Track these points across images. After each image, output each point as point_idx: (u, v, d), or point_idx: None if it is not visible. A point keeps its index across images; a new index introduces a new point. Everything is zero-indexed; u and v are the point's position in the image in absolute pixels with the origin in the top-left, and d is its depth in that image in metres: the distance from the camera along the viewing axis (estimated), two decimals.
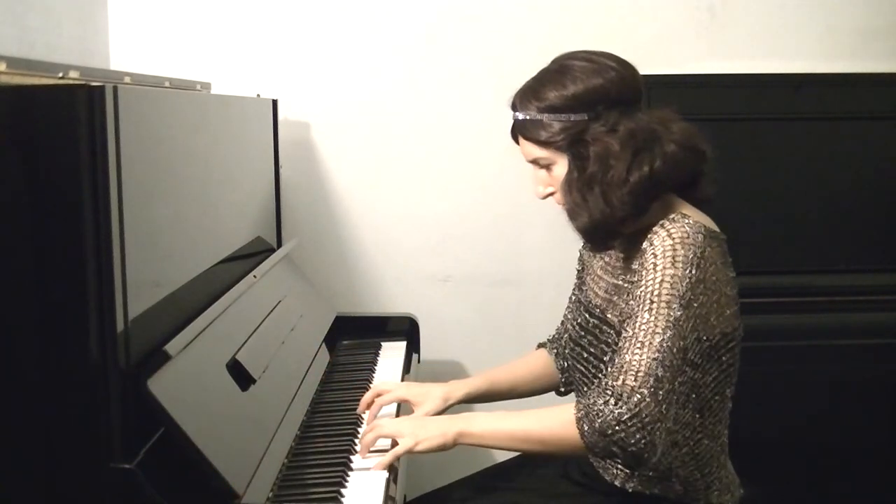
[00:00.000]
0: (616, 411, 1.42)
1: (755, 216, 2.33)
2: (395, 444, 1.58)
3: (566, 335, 1.86)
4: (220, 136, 1.86)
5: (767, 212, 2.39)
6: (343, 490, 1.48)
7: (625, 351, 1.48)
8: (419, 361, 2.31)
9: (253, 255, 2.02)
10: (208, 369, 1.48)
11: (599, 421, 1.43)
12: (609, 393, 1.44)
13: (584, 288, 1.78)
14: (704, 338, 1.52)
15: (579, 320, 1.74)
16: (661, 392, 1.43)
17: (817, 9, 2.55)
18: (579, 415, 1.47)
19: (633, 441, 1.42)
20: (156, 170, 1.41)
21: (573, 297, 1.87)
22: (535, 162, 1.64)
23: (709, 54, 2.51)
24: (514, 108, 1.64)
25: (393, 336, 2.34)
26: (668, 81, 2.32)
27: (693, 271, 1.48)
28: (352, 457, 1.60)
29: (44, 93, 1.22)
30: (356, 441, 1.66)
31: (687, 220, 1.52)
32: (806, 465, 2.39)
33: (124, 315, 1.24)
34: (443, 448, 1.55)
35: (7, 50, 1.43)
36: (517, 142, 1.66)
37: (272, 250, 2.21)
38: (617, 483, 1.65)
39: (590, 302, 1.72)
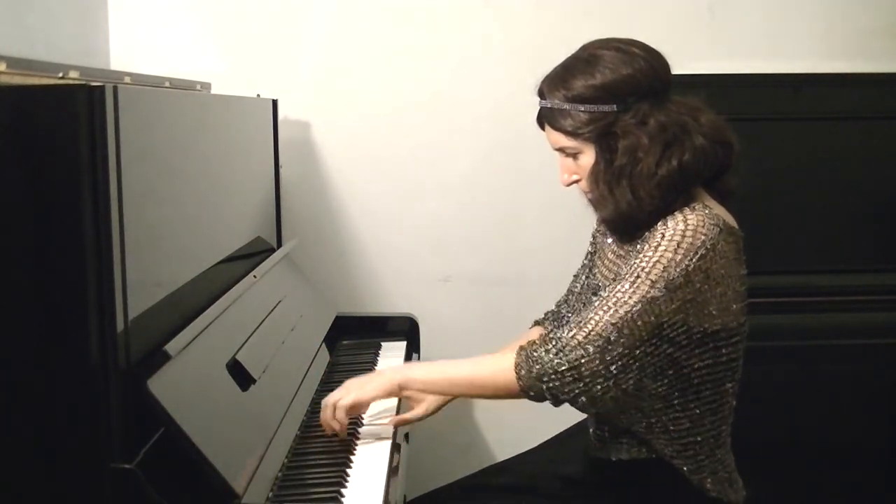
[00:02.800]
0: (555, 360, 1.49)
1: (755, 216, 2.32)
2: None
3: (570, 312, 1.86)
4: (220, 136, 1.86)
5: (767, 212, 2.39)
6: (343, 490, 1.48)
7: (591, 309, 1.52)
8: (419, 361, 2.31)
9: (253, 255, 2.02)
10: (208, 369, 1.48)
11: (537, 368, 1.50)
12: (552, 343, 1.51)
13: (595, 271, 1.76)
14: (694, 324, 1.52)
15: (587, 304, 1.73)
16: (609, 354, 1.47)
17: (817, 9, 2.55)
18: (518, 360, 1.53)
19: (566, 391, 1.49)
20: (156, 170, 1.41)
21: (583, 278, 1.86)
22: (561, 150, 1.62)
23: (709, 54, 2.51)
24: (542, 95, 1.62)
25: (393, 336, 2.34)
26: None
27: (694, 259, 1.48)
28: (352, 457, 1.60)
29: (44, 93, 1.22)
30: (356, 441, 1.66)
31: (706, 212, 1.52)
32: (806, 465, 2.39)
33: (124, 315, 1.24)
34: (389, 394, 1.65)
35: (7, 50, 1.43)
36: (543, 129, 1.64)
37: (272, 250, 2.21)
38: (623, 456, 1.64)
39: (597, 284, 1.71)
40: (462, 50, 2.54)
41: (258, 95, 2.31)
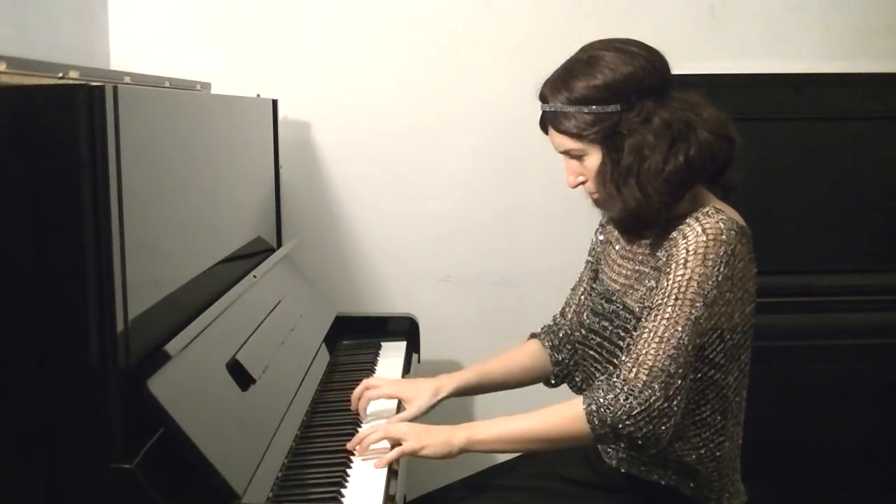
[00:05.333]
0: (627, 405, 1.47)
1: (755, 216, 2.32)
2: (394, 445, 1.58)
3: (567, 325, 1.86)
4: (220, 136, 1.86)
5: (767, 212, 2.39)
6: (343, 490, 1.49)
7: (642, 342, 1.50)
8: (419, 361, 2.31)
9: (253, 255, 2.02)
10: (208, 369, 1.48)
11: (610, 415, 1.48)
12: (619, 387, 1.48)
13: (602, 276, 1.76)
14: (728, 336, 1.53)
15: (595, 308, 1.73)
16: (672, 388, 1.47)
17: (817, 9, 2.55)
18: (589, 409, 1.50)
19: (641, 434, 1.47)
20: (156, 170, 1.41)
21: (581, 290, 1.86)
22: (566, 153, 1.61)
23: (709, 54, 2.51)
24: (544, 99, 1.61)
25: (393, 336, 2.34)
26: None
27: (722, 269, 1.49)
28: (352, 457, 1.60)
29: (44, 93, 1.22)
30: None
31: (721, 216, 1.52)
32: (806, 466, 2.39)
33: (124, 315, 1.24)
34: (448, 456, 1.57)
35: (7, 50, 1.42)
36: (546, 133, 1.64)
37: (272, 250, 2.21)
38: (623, 469, 1.64)
39: (606, 289, 1.71)
40: (462, 50, 2.54)
41: (258, 95, 2.31)
